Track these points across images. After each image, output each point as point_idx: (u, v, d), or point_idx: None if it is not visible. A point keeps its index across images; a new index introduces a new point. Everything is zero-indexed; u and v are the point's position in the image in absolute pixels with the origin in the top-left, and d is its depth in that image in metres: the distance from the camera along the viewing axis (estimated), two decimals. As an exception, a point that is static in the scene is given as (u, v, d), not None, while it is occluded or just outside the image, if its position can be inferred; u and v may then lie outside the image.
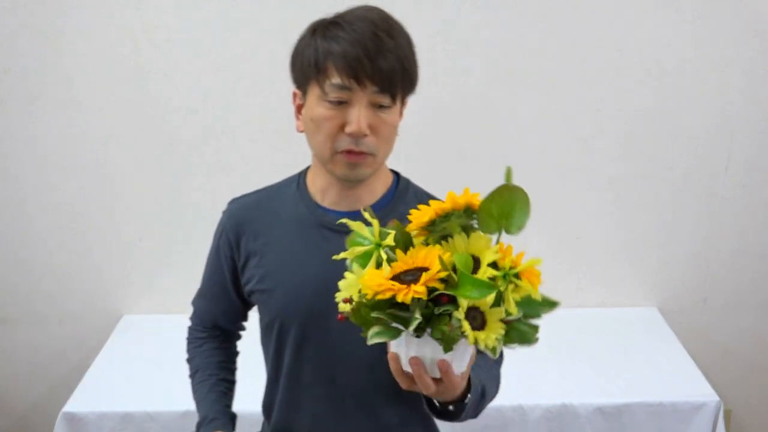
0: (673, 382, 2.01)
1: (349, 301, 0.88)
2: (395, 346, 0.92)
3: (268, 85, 2.16)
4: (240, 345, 1.40)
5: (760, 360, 2.49)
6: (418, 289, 0.80)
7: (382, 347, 1.10)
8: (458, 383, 0.95)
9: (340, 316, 0.92)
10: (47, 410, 2.43)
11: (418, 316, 0.82)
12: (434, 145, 2.23)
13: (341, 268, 1.11)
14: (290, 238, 1.18)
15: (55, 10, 2.10)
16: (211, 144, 2.24)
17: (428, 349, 0.88)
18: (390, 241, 0.88)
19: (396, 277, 0.84)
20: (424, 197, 1.20)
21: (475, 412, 1.09)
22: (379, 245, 0.89)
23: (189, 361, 1.36)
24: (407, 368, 0.93)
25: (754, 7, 2.12)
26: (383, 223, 0.96)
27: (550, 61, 2.18)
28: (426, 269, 0.83)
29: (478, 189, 0.89)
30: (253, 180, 1.35)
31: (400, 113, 1.14)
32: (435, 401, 1.10)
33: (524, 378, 2.02)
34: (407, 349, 0.90)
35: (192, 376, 1.33)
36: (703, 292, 2.43)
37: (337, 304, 1.07)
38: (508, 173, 0.85)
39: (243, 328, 1.39)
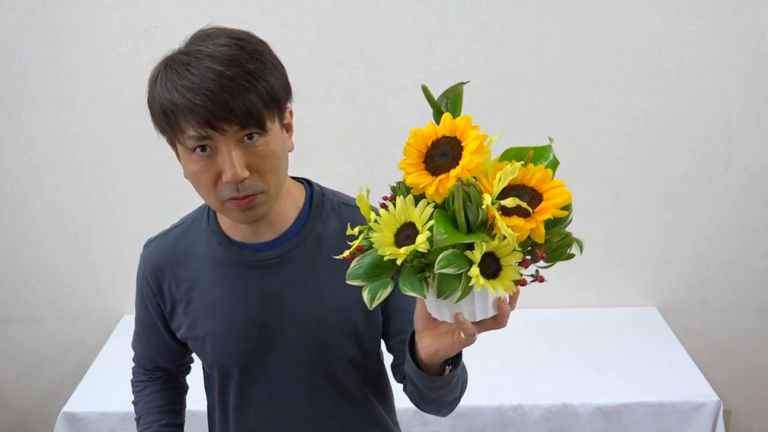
0: (672, 382, 2.01)
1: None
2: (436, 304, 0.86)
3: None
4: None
5: (760, 360, 2.49)
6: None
7: (322, 381, 1.11)
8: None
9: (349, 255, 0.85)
10: (47, 410, 2.44)
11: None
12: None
13: (263, 305, 1.11)
14: (211, 282, 1.13)
15: (55, 10, 2.11)
16: (211, 144, 2.24)
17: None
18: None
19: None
20: (341, 208, 1.13)
21: (458, 389, 1.04)
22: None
23: (134, 404, 1.32)
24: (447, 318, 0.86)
25: (754, 7, 2.12)
26: (308, 248, 0.97)
27: (550, 61, 2.18)
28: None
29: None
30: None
31: (287, 128, 1.04)
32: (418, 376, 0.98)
33: (524, 378, 2.02)
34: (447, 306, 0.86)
35: (137, 420, 1.30)
36: (703, 292, 2.43)
37: (269, 341, 1.06)
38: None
39: (190, 362, 1.35)
